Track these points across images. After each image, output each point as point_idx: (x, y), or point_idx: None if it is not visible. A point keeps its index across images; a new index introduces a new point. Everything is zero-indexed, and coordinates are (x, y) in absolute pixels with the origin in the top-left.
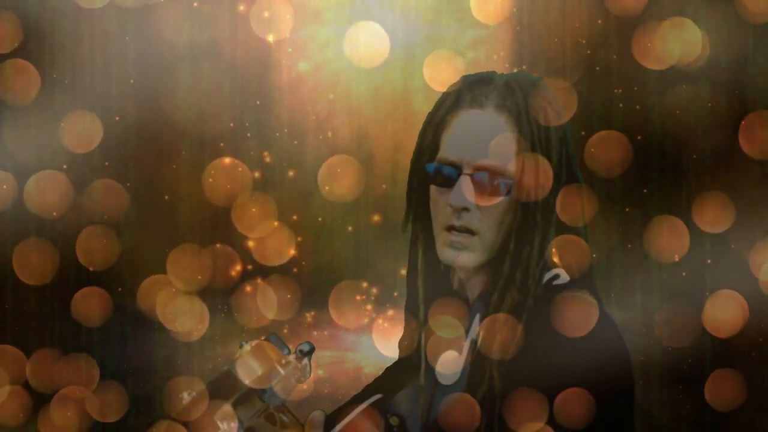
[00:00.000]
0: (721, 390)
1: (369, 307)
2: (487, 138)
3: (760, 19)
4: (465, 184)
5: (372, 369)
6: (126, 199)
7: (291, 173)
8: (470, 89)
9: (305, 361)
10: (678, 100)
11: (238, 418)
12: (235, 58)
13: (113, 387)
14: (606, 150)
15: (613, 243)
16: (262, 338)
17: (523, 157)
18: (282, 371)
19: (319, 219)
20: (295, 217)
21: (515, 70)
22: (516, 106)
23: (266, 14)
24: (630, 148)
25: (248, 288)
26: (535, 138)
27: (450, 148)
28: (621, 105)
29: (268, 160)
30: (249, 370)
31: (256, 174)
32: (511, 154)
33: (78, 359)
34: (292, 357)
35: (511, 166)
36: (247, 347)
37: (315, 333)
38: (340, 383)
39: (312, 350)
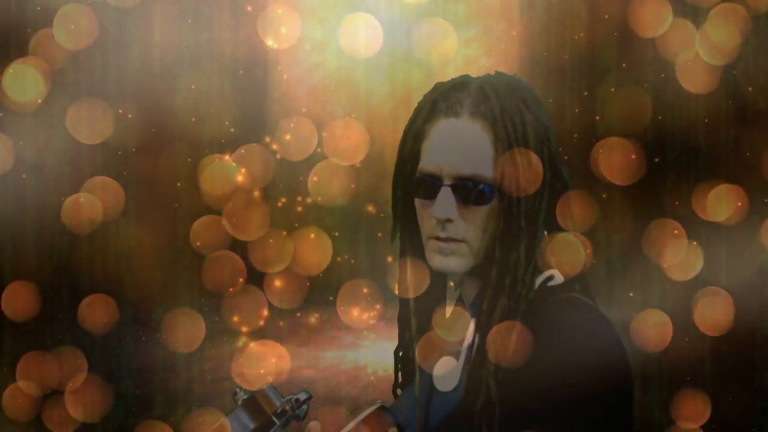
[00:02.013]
0: (710, 314)
1: (376, 305)
2: (465, 146)
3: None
4: (446, 196)
5: (372, 369)
6: (122, 198)
7: (291, 174)
8: (445, 97)
9: (303, 407)
10: (679, 97)
11: None
12: (235, 58)
13: (99, 385)
14: (612, 157)
15: (612, 242)
16: (257, 389)
17: (501, 162)
18: (277, 422)
19: (320, 219)
20: (294, 218)
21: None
22: (490, 110)
23: (274, 22)
24: (636, 156)
25: (250, 286)
26: (512, 140)
27: (429, 159)
28: (622, 103)
29: (267, 160)
30: (243, 425)
31: (255, 175)
32: (490, 160)
33: (70, 356)
34: (288, 407)
35: (491, 173)
36: (242, 394)
37: (316, 317)
38: (340, 383)
39: (309, 399)
